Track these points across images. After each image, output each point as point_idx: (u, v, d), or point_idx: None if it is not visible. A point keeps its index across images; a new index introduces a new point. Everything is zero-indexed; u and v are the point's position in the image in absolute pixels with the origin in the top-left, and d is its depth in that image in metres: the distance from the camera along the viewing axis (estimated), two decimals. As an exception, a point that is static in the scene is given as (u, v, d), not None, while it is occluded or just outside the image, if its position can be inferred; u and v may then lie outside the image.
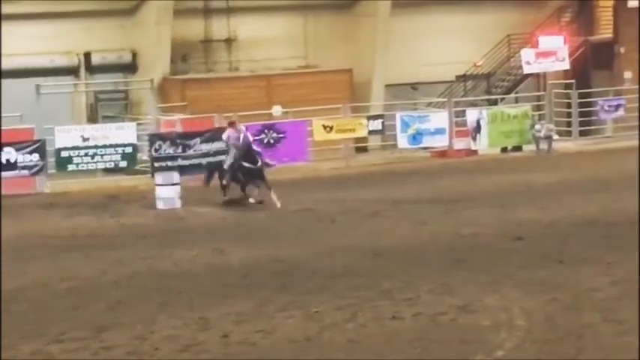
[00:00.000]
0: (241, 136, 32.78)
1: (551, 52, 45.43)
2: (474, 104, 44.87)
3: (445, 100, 44.90)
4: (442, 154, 42.87)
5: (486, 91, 46.30)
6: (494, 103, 45.50)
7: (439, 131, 43.42)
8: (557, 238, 27.48)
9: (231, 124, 33.91)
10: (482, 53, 46.44)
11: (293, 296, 22.45)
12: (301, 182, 38.45)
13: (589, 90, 45.99)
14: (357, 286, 23.10)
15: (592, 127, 45.96)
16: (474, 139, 43.52)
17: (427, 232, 28.63)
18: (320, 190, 36.51)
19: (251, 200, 32.98)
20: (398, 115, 43.25)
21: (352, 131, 42.88)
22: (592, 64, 46.48)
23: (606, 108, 45.99)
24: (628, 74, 46.64)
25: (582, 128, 45.62)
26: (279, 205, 31.11)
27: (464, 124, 43.63)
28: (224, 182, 33.35)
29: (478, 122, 43.74)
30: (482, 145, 43.72)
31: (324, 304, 21.64)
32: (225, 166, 33.01)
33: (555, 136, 44.07)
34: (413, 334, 19.72)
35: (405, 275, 23.91)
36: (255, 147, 32.76)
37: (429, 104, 45.01)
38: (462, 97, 45.49)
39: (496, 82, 46.74)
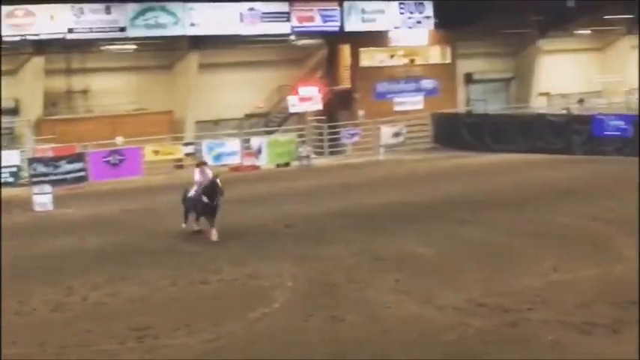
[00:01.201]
0: (209, 175, 27.00)
1: (309, 98, 46.00)
2: (257, 134, 45.04)
3: (237, 131, 45.02)
4: (236, 169, 43.04)
5: (265, 124, 46.54)
6: (271, 132, 45.79)
7: (233, 153, 43.61)
8: (316, 225, 27.59)
9: (200, 165, 28.16)
10: (262, 98, 46.67)
11: (132, 269, 22.44)
12: (138, 190, 38.25)
13: (335, 123, 46.63)
14: (177, 262, 23.20)
15: (338, 149, 46.59)
16: (257, 158, 43.77)
17: (224, 224, 28.75)
18: (150, 195, 36.35)
19: (195, 228, 27.25)
20: (204, 142, 43.35)
21: (173, 154, 42.92)
22: (337, 106, 47.10)
23: (347, 136, 46.79)
24: (361, 112, 47.40)
25: (331, 150, 46.21)
26: (215, 239, 25.60)
27: (250, 147, 43.85)
28: (185, 209, 27.65)
29: (260, 146, 44.05)
30: (263, 162, 44.00)
31: (153, 274, 21.71)
32: (189, 195, 27.27)
33: (313, 156, 44.60)
34: (216, 294, 19.91)
35: (211, 254, 24.09)
36: (218, 187, 26.12)
37: (227, 134, 45.07)
38: (249, 129, 45.64)
39: (272, 118, 47.02)
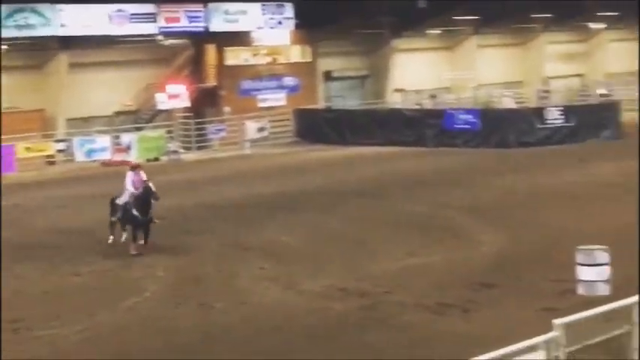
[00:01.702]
0: (143, 181, 22.67)
1: (176, 95, 45.69)
2: (127, 130, 44.51)
3: (107, 128, 44.43)
4: (106, 164, 42.45)
5: (135, 121, 46.03)
6: (141, 129, 45.32)
7: (104, 149, 43.05)
8: (186, 217, 27.25)
9: (135, 168, 23.41)
10: (131, 96, 46.16)
11: (5, 263, 21.91)
12: (11, 186, 37.40)
13: (203, 119, 46.43)
14: (50, 256, 22.79)
15: (205, 144, 46.40)
16: (127, 153, 43.27)
17: (98, 217, 28.37)
18: (23, 191, 35.60)
19: (110, 239, 23.13)
20: (75, 139, 42.69)
21: (44, 151, 42.13)
22: (204, 103, 46.88)
23: (214, 131, 46.65)
24: (227, 109, 47.30)
25: (199, 145, 46.01)
26: (134, 252, 21.81)
27: (120, 143, 43.36)
28: (113, 219, 23.13)
29: (129, 142, 43.59)
30: (133, 157, 43.48)
31: (27, 268, 21.33)
32: (120, 203, 22.73)
33: (181, 151, 44.33)
34: (89, 285, 19.72)
35: (83, 247, 23.75)
36: (153, 193, 22.24)
37: (98, 131, 44.38)
38: (119, 125, 45.06)
39: (141, 115, 46.51)
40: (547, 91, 55.89)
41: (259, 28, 48.18)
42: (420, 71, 54.67)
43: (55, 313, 17.35)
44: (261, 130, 47.58)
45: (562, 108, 43.36)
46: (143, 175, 22.91)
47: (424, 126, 43.87)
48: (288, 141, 47.22)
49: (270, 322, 16.44)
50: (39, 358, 14.99)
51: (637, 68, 59.08)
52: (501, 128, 42.02)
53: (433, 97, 51.60)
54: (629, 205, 25.96)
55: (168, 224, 26.26)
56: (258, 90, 49.02)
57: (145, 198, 22.16)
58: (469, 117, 43.25)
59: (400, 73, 53.60)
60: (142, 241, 22.25)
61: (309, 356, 14.56)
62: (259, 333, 15.79)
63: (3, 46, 42.76)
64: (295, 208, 27.90)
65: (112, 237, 23.07)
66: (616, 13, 59.27)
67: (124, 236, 22.83)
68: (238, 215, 27.35)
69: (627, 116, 45.79)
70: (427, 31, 55.00)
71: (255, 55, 49.43)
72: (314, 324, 16.27)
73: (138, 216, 22.13)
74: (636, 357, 11.51)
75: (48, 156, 42.28)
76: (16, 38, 42.04)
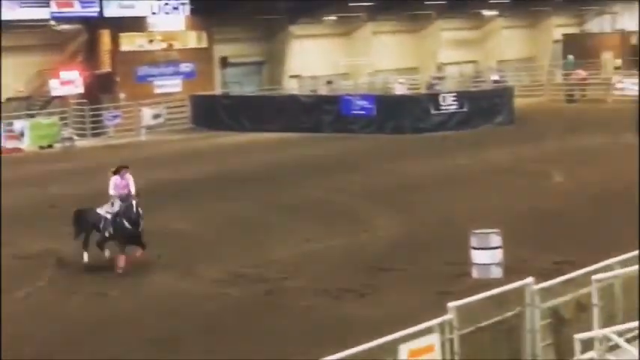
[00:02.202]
0: (130, 185, 19.62)
1: (70, 81, 44.98)
2: (19, 117, 43.62)
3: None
4: (-1, 151, 41.63)
5: (27, 107, 45.15)
6: (33, 115, 44.48)
7: (-4, 136, 42.20)
8: (81, 205, 26.72)
9: (118, 171, 19.87)
10: (23, 82, 45.26)
11: None
12: None
13: (98, 106, 45.79)
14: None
15: (100, 131, 45.75)
16: (20, 141, 42.48)
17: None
18: None
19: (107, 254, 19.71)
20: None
21: None
22: (99, 89, 46.22)
23: (109, 118, 46.06)
24: (122, 95, 46.73)
25: (93, 132, 45.37)
26: (119, 271, 18.74)
27: (12, 130, 42.50)
28: (106, 235, 19.45)
29: (22, 129, 42.78)
30: (26, 144, 42.71)
31: None
32: (109, 216, 19.30)
33: (75, 137, 43.65)
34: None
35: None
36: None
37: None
38: (11, 112, 44.09)
39: (34, 102, 45.64)
40: (440, 78, 56.51)
41: (154, 13, 47.68)
42: (317, 57, 54.75)
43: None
44: (157, 116, 47.15)
45: (456, 94, 43.91)
46: (130, 179, 19.79)
47: (321, 112, 44.01)
48: (184, 127, 46.89)
49: (167, 309, 16.35)
50: None
51: (528, 55, 60.40)
52: (397, 114, 42.37)
53: (329, 83, 51.74)
54: (520, 189, 26.52)
55: (62, 212, 25.90)
56: (154, 76, 48.53)
57: (131, 205, 19.08)
58: (365, 103, 43.52)
59: (297, 60, 53.63)
60: (138, 252, 19.34)
61: (205, 344, 14.53)
62: (155, 321, 15.70)
63: None
64: (192, 195, 27.73)
65: (86, 256, 19.61)
66: (508, 1, 60.23)
67: (107, 253, 19.66)
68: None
69: (520, 102, 46.66)
70: (323, 18, 55.11)
71: (150, 41, 48.93)
72: (212, 311, 16.24)
73: (129, 227, 18.95)
74: (528, 338, 11.76)
75: None
76: None
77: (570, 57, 58.28)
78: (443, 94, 43.92)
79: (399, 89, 50.21)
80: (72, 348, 14.57)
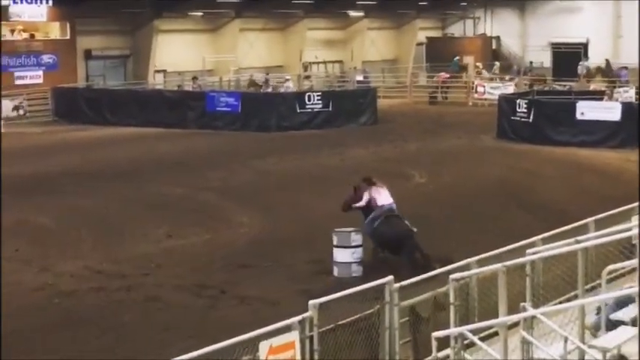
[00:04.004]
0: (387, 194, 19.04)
1: None
2: None
3: None
4: None
5: None
6: None
7: None
8: None
9: (371, 182, 19.21)
10: None
11: None
12: None
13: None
14: None
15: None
16: None
17: None
18: None
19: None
20: None
21: None
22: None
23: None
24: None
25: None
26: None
27: None
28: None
29: None
30: None
31: None
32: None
33: None
34: None
35: None
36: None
37: None
38: None
39: None
40: (307, 77, 56.78)
41: (15, 2, 46.55)
42: (183, 53, 54.34)
43: None
44: (17, 108, 46.02)
45: (321, 93, 44.15)
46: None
47: (185, 108, 43.66)
48: (45, 120, 45.89)
49: (21, 304, 15.96)
50: None
51: (392, 57, 61.22)
52: (262, 112, 42.35)
53: (195, 79, 51.38)
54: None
55: None
56: (14, 67, 47.38)
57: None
58: (230, 100, 43.35)
59: (162, 54, 53.11)
60: None
61: (60, 338, 14.24)
62: (12, 316, 15.29)
63: None
64: (50, 190, 27.12)
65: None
66: (374, 2, 60.91)
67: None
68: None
69: (384, 103, 47.20)
70: (189, 13, 54.74)
71: (12, 30, 47.74)
72: (70, 306, 15.93)
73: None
74: (386, 335, 11.88)
75: None
76: None
77: (456, 59, 59.35)
78: (309, 93, 44.09)
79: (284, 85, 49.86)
80: None
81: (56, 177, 29.55)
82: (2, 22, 46.78)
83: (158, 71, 53.39)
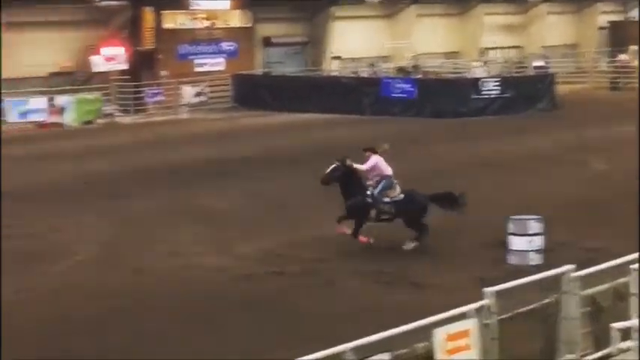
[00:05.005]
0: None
1: (113, 57, 45.15)
2: (62, 92, 43.80)
3: (43, 89, 43.71)
4: (41, 126, 41.87)
5: (71, 83, 45.36)
6: (77, 91, 44.63)
7: (38, 110, 42.43)
8: (119, 180, 26.94)
9: (373, 151, 19.17)
10: (67, 57, 45.46)
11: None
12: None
13: (139, 82, 45.95)
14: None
15: (141, 108, 45.90)
16: (62, 116, 42.70)
17: (29, 181, 27.86)
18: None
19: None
20: (8, 99, 42.01)
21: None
22: (141, 66, 46.34)
23: (150, 95, 46.20)
24: (164, 72, 46.80)
25: (135, 108, 45.52)
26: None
27: (55, 105, 42.75)
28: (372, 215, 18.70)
29: (65, 104, 42.99)
30: (69, 119, 42.89)
31: None
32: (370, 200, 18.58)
33: (117, 114, 43.87)
34: (21, 248, 19.42)
35: (14, 209, 23.38)
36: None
37: (33, 92, 43.55)
38: (55, 87, 44.29)
39: (77, 77, 45.81)
40: (484, 62, 56.12)
41: (198, -9, 47.78)
42: (359, 39, 54.56)
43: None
44: (198, 94, 47.23)
45: (498, 79, 43.60)
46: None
47: (361, 94, 43.86)
48: (225, 106, 46.93)
49: (205, 287, 16.37)
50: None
51: (572, 41, 59.80)
52: (437, 98, 42.15)
53: (372, 65, 51.56)
54: (561, 176, 26.28)
55: (100, 188, 26.08)
56: (195, 54, 48.62)
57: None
58: (406, 86, 43.32)
59: (338, 41, 53.46)
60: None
61: (239, 320, 14.53)
62: (193, 298, 15.72)
63: None
64: (230, 174, 27.72)
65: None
66: (553, -14, 59.75)
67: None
68: (173, 179, 27.14)
69: (562, 88, 46.23)
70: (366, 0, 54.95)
71: (193, 19, 48.97)
72: (250, 289, 16.24)
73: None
74: (565, 325, 11.64)
75: (-20, 116, 41.60)
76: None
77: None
78: (484, 79, 43.61)
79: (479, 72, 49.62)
80: (109, 322, 14.61)
81: (236, 162, 30.17)
82: (183, 11, 48.04)
83: (334, 58, 53.77)
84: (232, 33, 49.94)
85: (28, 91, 43.22)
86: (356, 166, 18.84)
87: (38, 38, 44.16)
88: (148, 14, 47.09)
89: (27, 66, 43.39)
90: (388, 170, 18.77)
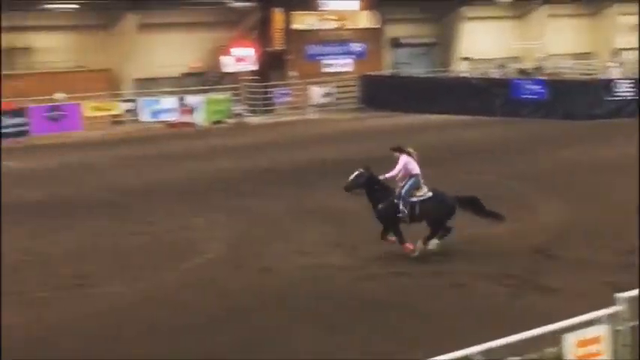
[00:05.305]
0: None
1: (243, 58, 45.73)
2: (193, 92, 44.60)
3: (174, 89, 44.56)
4: (172, 125, 42.69)
5: (201, 83, 46.14)
6: (207, 91, 45.41)
7: (169, 110, 43.24)
8: (247, 179, 27.31)
9: (401, 151, 18.81)
10: (198, 58, 46.25)
11: (71, 220, 22.23)
12: (77, 144, 37.83)
13: (268, 83, 46.43)
14: (114, 214, 23.02)
15: (270, 108, 46.40)
16: (193, 115, 43.43)
17: (160, 178, 28.57)
18: (89, 149, 35.97)
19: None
20: (141, 99, 42.94)
21: (111, 110, 42.47)
22: (269, 66, 46.83)
23: (279, 95, 46.63)
24: (293, 73, 47.21)
25: (264, 108, 46.02)
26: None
27: (186, 105, 43.50)
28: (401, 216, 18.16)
29: (196, 104, 43.69)
30: (199, 119, 43.61)
31: (91, 225, 21.54)
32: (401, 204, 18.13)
33: (246, 114, 44.41)
34: (151, 244, 19.81)
35: (146, 207, 23.92)
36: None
37: (164, 92, 44.51)
38: (185, 87, 45.14)
39: (208, 78, 46.61)
40: (619, 64, 54.91)
41: (327, -8, 48.05)
42: (488, 40, 54.08)
43: (117, 270, 17.51)
44: (326, 95, 47.47)
45: (632, 81, 42.60)
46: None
47: (490, 95, 43.44)
48: (352, 107, 47.05)
49: (330, 287, 16.37)
50: (100, 313, 15.10)
51: None
52: (568, 99, 41.43)
53: (502, 66, 51.03)
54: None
55: (230, 186, 26.42)
56: (323, 55, 48.89)
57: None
58: (536, 87, 42.73)
59: (468, 42, 53.08)
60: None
61: (363, 319, 14.49)
62: (318, 298, 15.74)
63: (73, 5, 43.13)
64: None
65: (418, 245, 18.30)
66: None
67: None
68: (301, 179, 27.30)
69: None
70: (496, 0, 54.39)
71: (322, 19, 49.24)
72: (373, 289, 16.19)
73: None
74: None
75: (114, 115, 42.63)
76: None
77: None
78: (618, 81, 42.65)
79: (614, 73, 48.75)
80: (235, 320, 14.74)
81: (362, 163, 30.05)
82: (312, 12, 48.32)
83: (463, 58, 53.38)
84: (361, 34, 50.06)
85: (160, 91, 44.13)
86: (386, 176, 18.60)
87: (171, 39, 45.09)
88: (278, 15, 47.56)
89: (159, 67, 44.33)
90: (416, 169, 18.46)
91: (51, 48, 43.44)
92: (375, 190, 18.35)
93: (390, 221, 18.24)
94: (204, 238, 19.96)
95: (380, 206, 18.25)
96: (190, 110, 43.52)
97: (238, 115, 43.95)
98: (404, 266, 17.48)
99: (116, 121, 42.60)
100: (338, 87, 48.06)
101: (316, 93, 46.98)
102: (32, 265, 18.21)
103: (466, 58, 53.39)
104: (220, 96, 44.96)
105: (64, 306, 15.43)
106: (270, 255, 18.51)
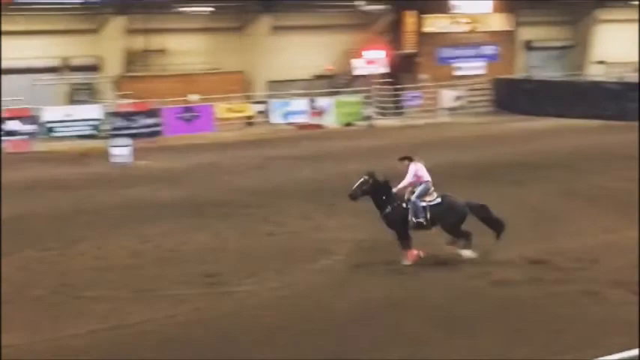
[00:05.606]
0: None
1: (374, 61, 45.77)
2: (324, 94, 44.89)
3: (305, 91, 44.92)
4: (302, 127, 43.02)
5: (333, 86, 46.41)
6: (338, 93, 45.65)
7: (300, 112, 43.59)
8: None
9: (410, 159, 18.49)
10: (330, 61, 46.52)
11: (203, 220, 22.55)
12: (210, 145, 38.42)
13: (399, 86, 46.38)
14: (246, 214, 23.28)
15: (400, 111, 46.36)
16: (323, 117, 43.71)
17: (291, 179, 28.84)
18: (222, 150, 36.50)
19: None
20: (272, 101, 43.39)
21: (243, 112, 43.05)
22: (400, 69, 46.78)
23: (409, 98, 46.55)
24: (424, 76, 47.07)
25: (394, 111, 46.00)
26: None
27: (316, 107, 43.78)
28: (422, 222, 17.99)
29: (326, 106, 43.94)
30: (329, 121, 43.86)
31: (223, 225, 21.84)
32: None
33: (376, 116, 44.45)
34: (282, 245, 19.96)
35: (278, 207, 24.12)
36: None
37: (296, 94, 44.94)
38: (317, 89, 45.47)
39: (339, 80, 46.85)
40: None
41: (459, -5, 47.77)
42: (624, 43, 52.88)
43: (248, 270, 17.67)
44: (457, 98, 47.19)
45: None
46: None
47: (625, 99, 42.48)
48: (485, 110, 46.62)
49: (464, 291, 16.21)
50: (230, 312, 15.28)
51: None
52: None
53: (637, 70, 49.82)
54: None
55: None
56: (455, 58, 48.61)
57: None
58: (675, 91, 41.65)
59: (602, 45, 52.04)
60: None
61: (490, 326, 14.32)
62: (451, 301, 15.62)
63: (208, 8, 43.87)
64: (488, 179, 27.46)
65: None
66: None
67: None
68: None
69: None
70: (632, 2, 53.12)
71: (453, 22, 48.95)
72: (504, 295, 16.00)
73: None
74: None
75: (247, 117, 43.20)
76: (221, 0, 43.08)
77: None
78: None
79: None
80: (364, 322, 14.73)
81: (491, 167, 29.87)
82: (444, 14, 48.08)
83: (597, 62, 52.38)
84: (493, 36, 49.61)
85: (291, 93, 44.53)
86: (399, 187, 18.23)
87: (302, 42, 45.46)
88: (409, 18, 47.49)
89: (291, 69, 44.75)
90: (426, 176, 18.26)
91: (185, 50, 44.29)
92: (382, 196, 18.16)
93: (399, 225, 18.08)
94: (334, 240, 19.99)
95: (387, 210, 18.07)
96: (320, 112, 43.78)
97: (368, 117, 43.99)
98: (535, 272, 17.21)
99: (248, 122, 43.14)
100: (470, 90, 47.69)
101: (447, 96, 46.71)
102: (164, 263, 18.53)
103: (600, 62, 52.34)
104: (351, 98, 45.13)
105: (195, 304, 15.66)
106: (398, 257, 18.42)
